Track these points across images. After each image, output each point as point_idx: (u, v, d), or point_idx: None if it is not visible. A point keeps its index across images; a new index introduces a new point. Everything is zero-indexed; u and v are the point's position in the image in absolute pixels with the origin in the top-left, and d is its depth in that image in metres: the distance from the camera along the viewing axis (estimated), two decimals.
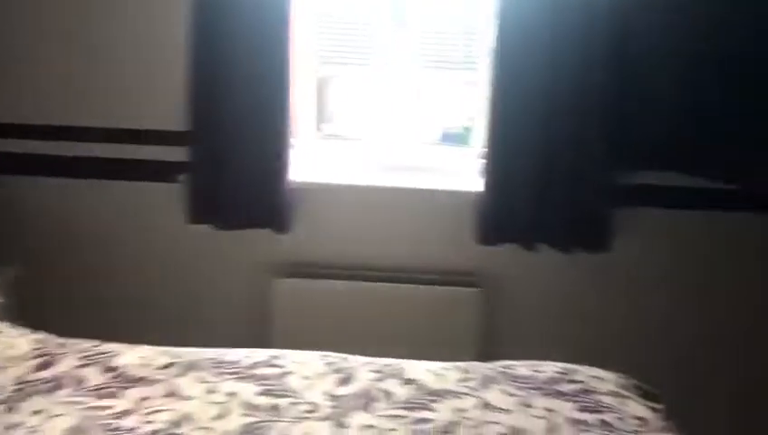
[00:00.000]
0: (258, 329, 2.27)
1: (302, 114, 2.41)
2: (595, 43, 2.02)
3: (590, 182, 2.11)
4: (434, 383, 1.60)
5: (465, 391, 1.57)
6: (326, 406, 1.49)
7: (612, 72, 2.04)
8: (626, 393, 1.58)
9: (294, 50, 2.18)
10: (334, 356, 1.69)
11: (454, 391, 1.56)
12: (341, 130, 2.78)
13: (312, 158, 2.44)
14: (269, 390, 1.53)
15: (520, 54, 2.05)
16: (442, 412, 1.48)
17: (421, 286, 2.29)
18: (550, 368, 1.67)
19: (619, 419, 1.47)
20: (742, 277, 2.24)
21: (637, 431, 1.43)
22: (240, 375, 1.58)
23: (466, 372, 1.65)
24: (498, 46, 2.07)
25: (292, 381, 1.57)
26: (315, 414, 1.46)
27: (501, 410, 1.50)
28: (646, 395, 1.61)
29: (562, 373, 1.65)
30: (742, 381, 2.30)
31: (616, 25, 2.02)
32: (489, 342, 2.26)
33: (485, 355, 1.96)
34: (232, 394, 1.50)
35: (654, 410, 1.52)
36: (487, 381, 1.60)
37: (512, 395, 1.55)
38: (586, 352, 1.99)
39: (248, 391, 1.52)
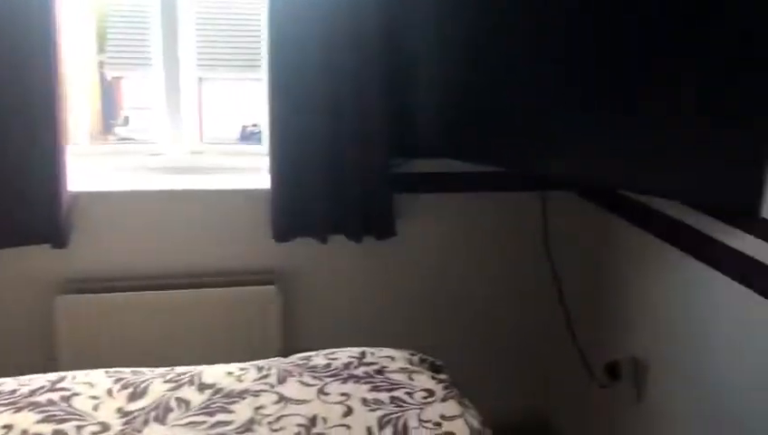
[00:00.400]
0: (41, 353, 2.11)
1: (83, 118, 2.28)
2: (368, 39, 2.11)
3: (374, 172, 2.20)
4: (232, 385, 1.60)
5: (264, 388, 1.59)
6: (117, 424, 1.43)
7: (387, 67, 2.14)
8: (415, 369, 1.68)
9: (65, 51, 2.04)
10: (125, 371, 1.63)
11: (252, 390, 1.57)
12: (133, 133, 2.66)
13: (96, 164, 2.31)
14: (52, 416, 1.44)
15: (296, 50, 2.08)
16: (240, 413, 1.49)
17: (218, 289, 2.25)
18: (345, 354, 1.74)
19: (409, 393, 1.57)
20: (517, 253, 2.45)
21: (424, 403, 1.53)
22: (17, 405, 1.47)
23: (264, 369, 1.67)
24: (273, 42, 2.09)
25: (79, 403, 1.49)
26: (105, 434, 1.40)
27: (299, 401, 1.54)
28: (433, 368, 1.73)
29: (357, 357, 1.72)
30: (522, 350, 2.54)
31: (386, 19, 2.11)
32: (291, 337, 2.29)
33: (289, 350, 1.98)
34: (8, 427, 1.39)
35: (439, 381, 1.64)
36: (285, 376, 1.63)
37: (309, 385, 1.60)
38: (382, 334, 2.10)
39: (27, 420, 1.42)
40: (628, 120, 1.72)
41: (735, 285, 1.61)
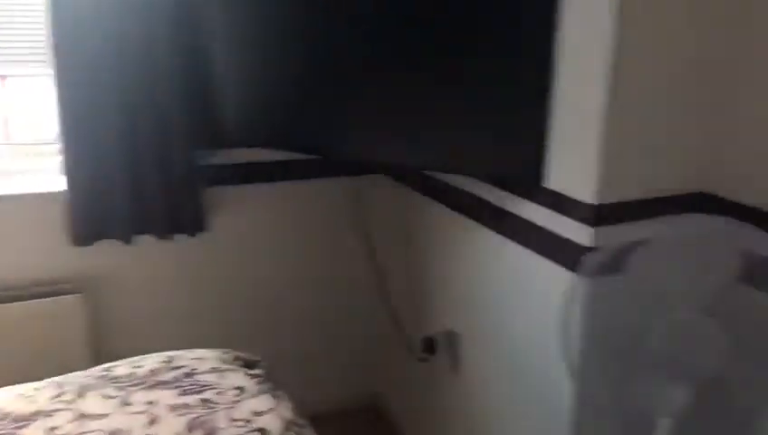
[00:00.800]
0: None
1: None
2: (162, 31, 2.00)
3: (179, 167, 2.11)
4: (23, 407, 1.47)
5: (59, 406, 1.47)
6: None
7: (184, 58, 2.05)
8: (226, 367, 1.63)
9: None
10: None
11: (45, 411, 1.45)
12: None
13: None
14: None
15: (81, 43, 1.94)
16: None
17: (17, 303, 2.06)
18: (151, 361, 1.65)
19: (219, 393, 1.52)
20: (335, 239, 2.46)
21: (235, 401, 1.49)
22: None
23: (61, 386, 1.55)
24: (57, 36, 1.92)
25: None
26: None
27: (99, 416, 1.44)
28: (247, 364, 1.70)
29: (164, 362, 1.64)
30: (347, 335, 2.57)
31: (180, 8, 2.02)
32: (102, 348, 2.15)
33: (100, 362, 1.86)
34: None
35: (253, 376, 1.61)
36: (84, 390, 1.52)
37: (111, 398, 1.50)
38: (200, 334, 2.03)
39: None
40: (422, 104, 1.77)
41: (525, 251, 1.71)
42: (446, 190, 2.05)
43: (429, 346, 2.16)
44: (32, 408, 1.46)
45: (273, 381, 1.61)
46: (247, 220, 2.33)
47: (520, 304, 1.79)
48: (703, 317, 1.25)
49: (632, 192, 1.52)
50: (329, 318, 2.52)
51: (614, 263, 1.37)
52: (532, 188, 1.66)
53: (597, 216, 1.50)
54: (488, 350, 1.95)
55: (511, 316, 1.83)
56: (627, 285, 1.31)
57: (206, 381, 1.56)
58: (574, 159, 1.54)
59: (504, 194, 1.78)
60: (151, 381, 1.56)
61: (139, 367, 1.62)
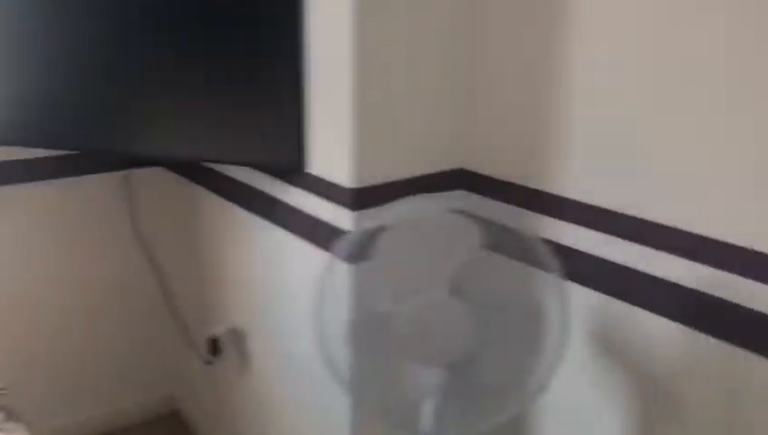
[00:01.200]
0: None
1: None
2: None
3: None
4: None
5: None
6: None
7: None
8: None
9: None
10: None
11: None
12: None
13: None
14: None
15: None
16: None
17: None
18: None
19: None
20: (105, 240, 2.23)
21: None
22: None
23: None
24: None
25: None
26: None
27: None
28: None
29: None
30: (130, 342, 2.37)
31: None
32: None
33: None
34: None
35: None
36: None
37: None
38: None
39: None
40: (187, 96, 1.67)
41: (297, 239, 1.64)
42: (223, 182, 1.93)
43: (214, 347, 2.03)
44: None
45: (8, 411, 1.41)
46: (2, 226, 2.06)
47: (295, 296, 1.71)
48: (449, 298, 1.22)
49: (392, 173, 1.49)
50: (108, 327, 2.30)
51: (365, 247, 1.32)
52: (298, 174, 1.60)
53: (355, 199, 1.45)
54: (271, 345, 1.86)
55: (289, 308, 1.75)
56: (375, 270, 1.26)
57: None
58: (332, 145, 1.49)
59: (275, 183, 1.70)
60: None
61: None
